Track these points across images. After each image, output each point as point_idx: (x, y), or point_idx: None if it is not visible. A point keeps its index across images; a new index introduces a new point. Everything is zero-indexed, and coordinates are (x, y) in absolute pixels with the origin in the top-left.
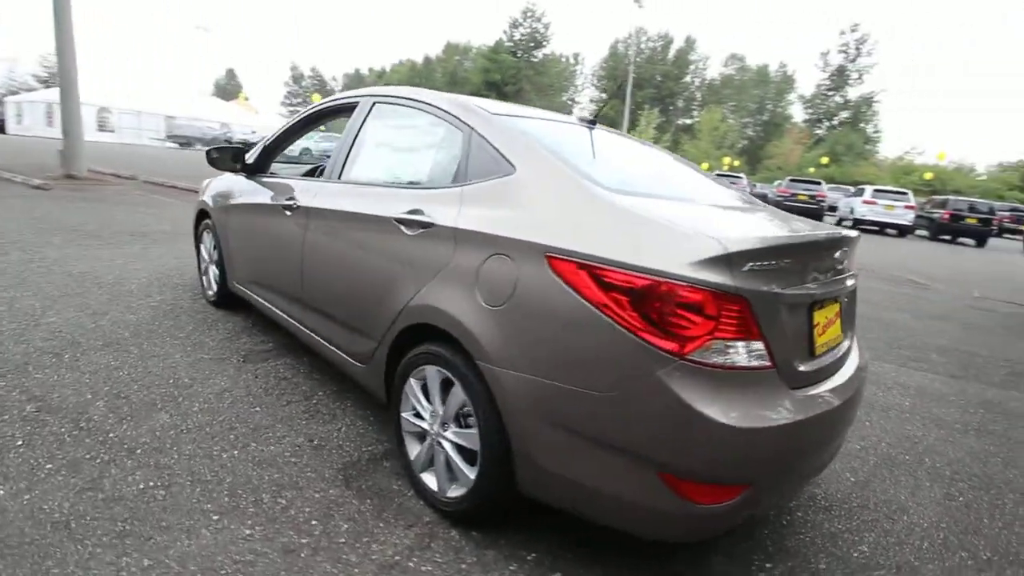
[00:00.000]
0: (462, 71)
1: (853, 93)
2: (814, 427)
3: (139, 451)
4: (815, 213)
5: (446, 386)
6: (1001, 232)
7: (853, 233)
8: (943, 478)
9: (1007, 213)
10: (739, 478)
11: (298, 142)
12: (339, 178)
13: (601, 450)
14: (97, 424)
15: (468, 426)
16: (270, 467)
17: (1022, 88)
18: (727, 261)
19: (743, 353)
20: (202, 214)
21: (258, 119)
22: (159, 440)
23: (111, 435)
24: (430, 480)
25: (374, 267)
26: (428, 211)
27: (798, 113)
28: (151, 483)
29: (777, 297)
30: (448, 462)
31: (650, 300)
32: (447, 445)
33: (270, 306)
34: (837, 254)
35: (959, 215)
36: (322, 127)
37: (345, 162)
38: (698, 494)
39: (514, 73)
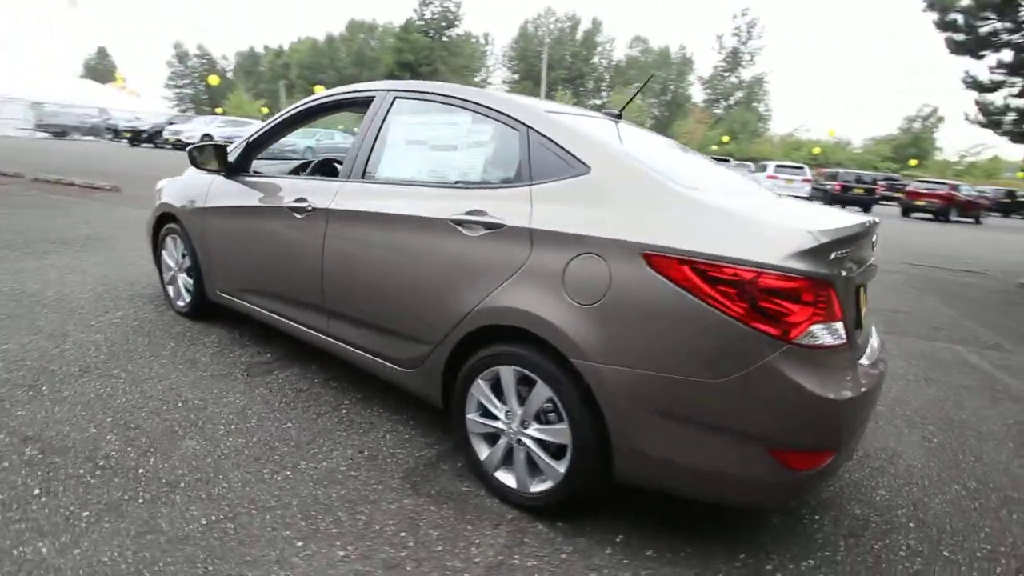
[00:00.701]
0: (369, 50)
1: (746, 74)
2: (873, 391)
3: (182, 484)
4: None
5: (523, 385)
6: (880, 200)
7: (878, 219)
8: (915, 424)
9: (883, 182)
10: (831, 444)
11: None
12: (362, 178)
13: (708, 432)
14: (118, 460)
15: (550, 422)
16: (332, 484)
17: (886, 64)
18: (818, 251)
19: (831, 333)
20: (164, 218)
21: (140, 103)
22: (198, 470)
23: (140, 471)
24: (507, 478)
25: (425, 270)
26: (493, 211)
27: (698, 94)
28: (213, 517)
29: (848, 280)
30: (530, 458)
31: (757, 291)
32: (529, 442)
33: (273, 315)
34: (874, 238)
35: (848, 186)
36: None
37: (368, 160)
38: (798, 462)
39: (427, 53)
